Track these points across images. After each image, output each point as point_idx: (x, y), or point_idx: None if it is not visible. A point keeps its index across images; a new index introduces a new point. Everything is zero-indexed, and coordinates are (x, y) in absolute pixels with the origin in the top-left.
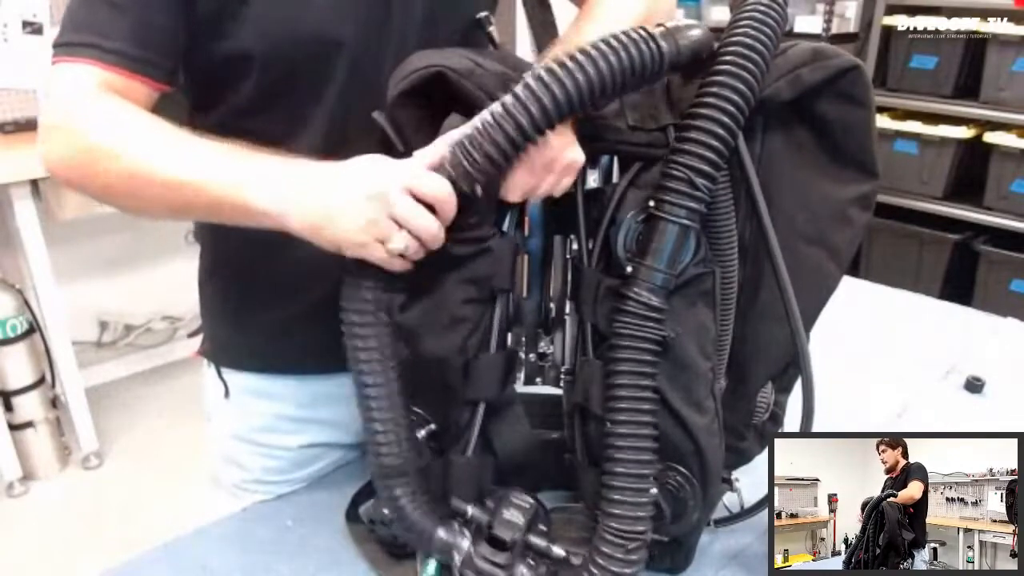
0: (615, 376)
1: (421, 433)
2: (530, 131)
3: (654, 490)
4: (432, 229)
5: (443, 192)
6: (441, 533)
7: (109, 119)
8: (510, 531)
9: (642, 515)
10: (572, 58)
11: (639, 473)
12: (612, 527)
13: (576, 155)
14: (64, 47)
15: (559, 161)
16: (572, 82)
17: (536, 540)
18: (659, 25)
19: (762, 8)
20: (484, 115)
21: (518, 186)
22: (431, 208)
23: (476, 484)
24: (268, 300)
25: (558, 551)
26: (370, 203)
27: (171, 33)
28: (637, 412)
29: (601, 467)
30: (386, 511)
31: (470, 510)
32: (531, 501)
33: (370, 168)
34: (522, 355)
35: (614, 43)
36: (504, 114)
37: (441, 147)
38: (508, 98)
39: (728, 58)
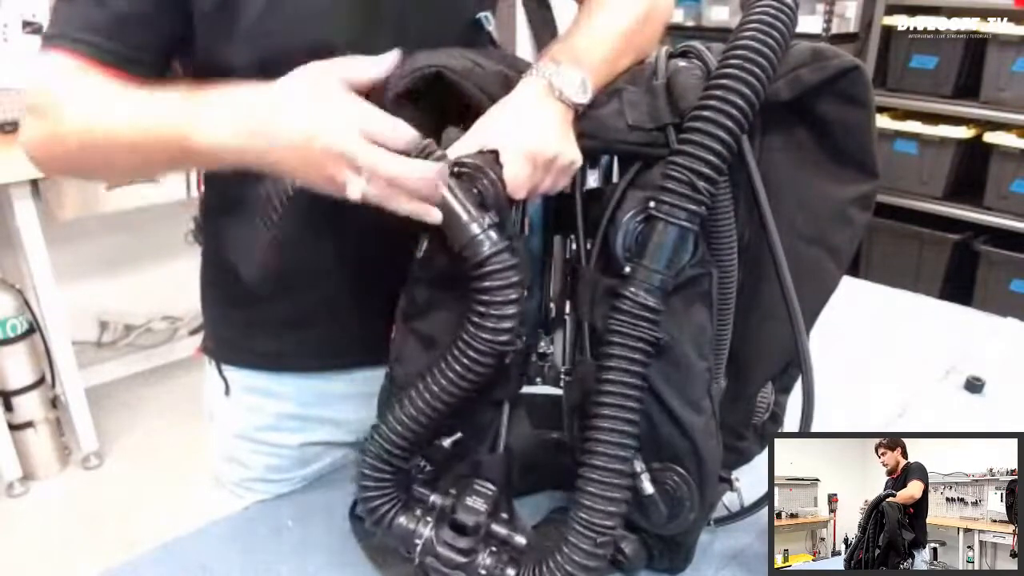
0: (604, 372)
1: (447, 441)
2: None
3: (649, 488)
4: (399, 171)
5: (402, 134)
6: (401, 519)
7: (74, 93)
8: (473, 516)
9: (613, 510)
10: None
11: (616, 468)
12: (582, 518)
13: (575, 156)
14: (47, 39)
15: (560, 161)
16: None
17: (498, 528)
18: None
19: (772, 11)
20: None
21: (523, 184)
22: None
23: (506, 480)
24: (270, 298)
25: (519, 539)
26: (325, 156)
27: (156, 30)
28: (620, 408)
29: (579, 458)
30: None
31: (432, 497)
32: (493, 488)
33: (318, 111)
34: None
35: None
36: None
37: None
38: None
39: (734, 60)
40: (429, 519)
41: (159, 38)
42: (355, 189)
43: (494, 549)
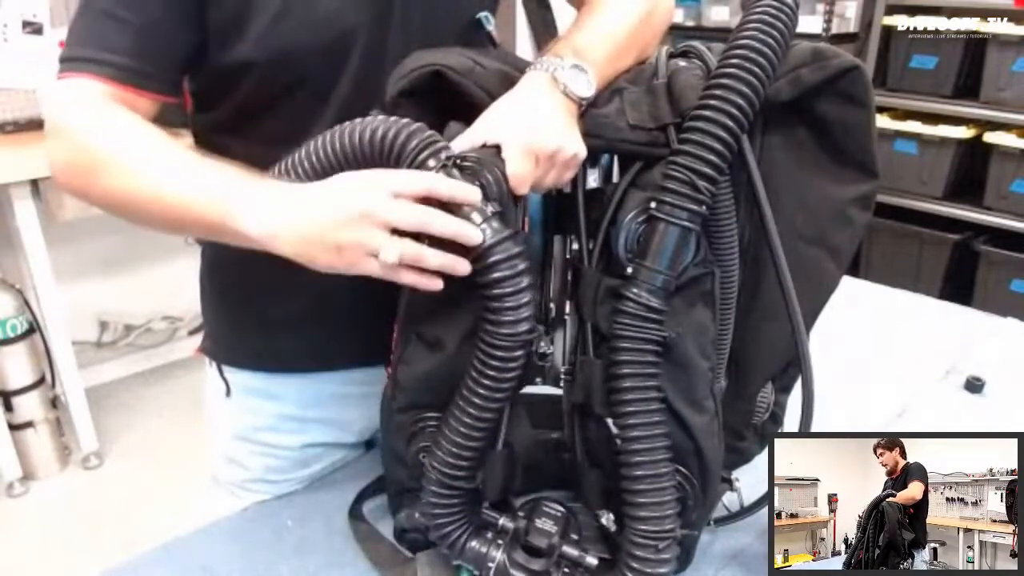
0: (620, 379)
1: None
2: None
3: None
4: (431, 218)
5: (431, 182)
6: (473, 543)
7: (109, 132)
8: (545, 539)
9: (669, 513)
10: None
11: (658, 473)
12: (641, 529)
13: (579, 148)
14: (68, 62)
15: (562, 154)
16: None
17: (569, 549)
18: None
19: (772, 11)
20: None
21: (525, 179)
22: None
23: (508, 476)
24: (270, 298)
25: (591, 560)
26: (350, 223)
27: (176, 45)
28: (648, 413)
29: (617, 471)
30: (419, 516)
31: (502, 520)
32: (562, 509)
33: (352, 183)
34: None
35: None
36: None
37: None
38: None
39: (735, 60)
40: (500, 542)
41: (177, 54)
42: (389, 251)
43: (567, 571)
